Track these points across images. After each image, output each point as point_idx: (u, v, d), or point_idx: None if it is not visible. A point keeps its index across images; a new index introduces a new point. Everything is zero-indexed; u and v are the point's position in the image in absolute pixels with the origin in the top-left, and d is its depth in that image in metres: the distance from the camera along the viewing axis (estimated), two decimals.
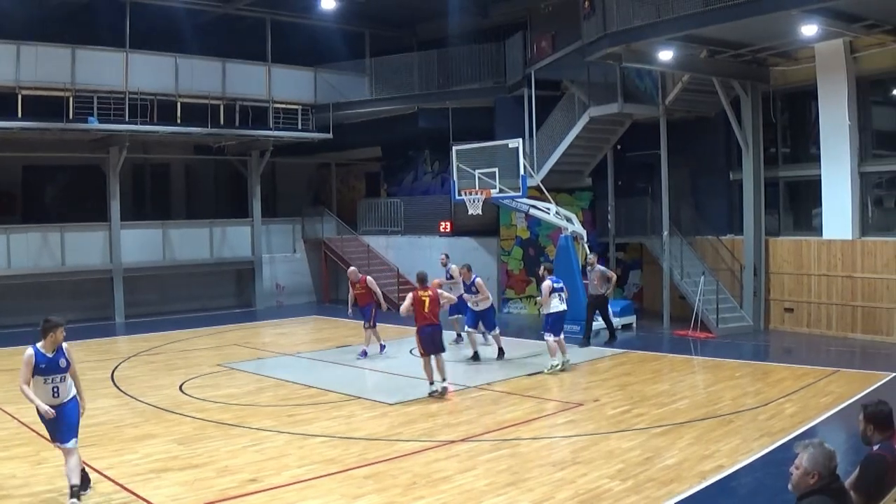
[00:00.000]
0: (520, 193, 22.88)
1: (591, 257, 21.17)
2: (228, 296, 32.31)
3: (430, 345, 15.19)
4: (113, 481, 10.27)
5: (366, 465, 10.88)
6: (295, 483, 10.17)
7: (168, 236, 29.61)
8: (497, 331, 19.20)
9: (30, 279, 26.46)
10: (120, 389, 16.38)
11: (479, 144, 24.09)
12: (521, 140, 23.06)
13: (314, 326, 22.15)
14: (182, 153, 33.39)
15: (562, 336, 17.72)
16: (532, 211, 23.77)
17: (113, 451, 11.74)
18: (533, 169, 24.55)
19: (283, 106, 30.80)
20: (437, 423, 13.32)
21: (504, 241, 28.46)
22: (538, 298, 18.46)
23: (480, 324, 19.33)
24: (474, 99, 30.11)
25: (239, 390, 16.12)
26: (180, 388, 16.36)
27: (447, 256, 22.53)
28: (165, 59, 27.91)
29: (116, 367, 18.85)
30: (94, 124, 25.96)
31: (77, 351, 21.00)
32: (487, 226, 28.14)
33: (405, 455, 11.39)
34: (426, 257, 29.80)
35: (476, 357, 18.80)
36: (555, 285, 17.63)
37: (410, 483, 10.10)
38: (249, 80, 29.95)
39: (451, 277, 20.95)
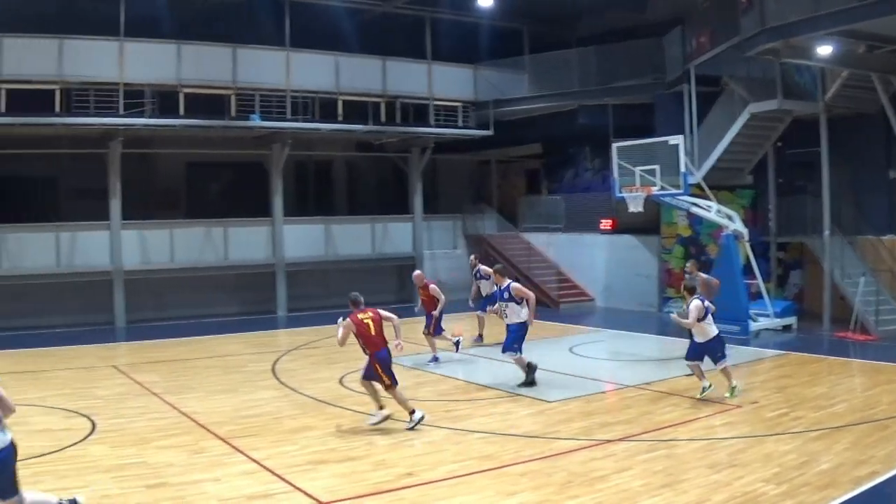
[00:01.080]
0: (681, 191, 22.72)
1: (689, 265, 19.17)
2: (389, 291, 32.64)
3: (390, 368, 13.36)
4: (271, 472, 10.65)
5: (521, 463, 10.99)
6: (449, 478, 10.34)
7: (330, 232, 30.30)
8: (518, 354, 16.16)
9: (192, 273, 27.42)
10: (280, 381, 17.00)
11: (639, 141, 24.03)
12: (681, 137, 22.96)
13: (474, 323, 22.24)
14: (344, 150, 34.17)
15: (728, 360, 15.10)
16: (693, 209, 23.51)
17: (271, 442, 12.18)
18: (694, 166, 24.29)
19: (444, 103, 31.16)
20: (594, 421, 13.34)
21: (665, 238, 28.07)
22: (685, 323, 14.90)
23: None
24: (634, 96, 29.91)
25: (398, 385, 16.31)
26: (340, 381, 16.77)
27: (476, 258, 22.90)
28: (326, 58, 28.67)
29: (277, 360, 19.49)
30: (257, 122, 26.77)
31: (237, 343, 22.04)
32: (649, 223, 27.78)
33: (562, 453, 11.46)
34: (588, 256, 29.86)
35: (531, 382, 16.10)
36: (705, 304, 14.83)
37: (566, 482, 10.16)
38: (409, 77, 30.45)
39: (486, 277, 21.07)
